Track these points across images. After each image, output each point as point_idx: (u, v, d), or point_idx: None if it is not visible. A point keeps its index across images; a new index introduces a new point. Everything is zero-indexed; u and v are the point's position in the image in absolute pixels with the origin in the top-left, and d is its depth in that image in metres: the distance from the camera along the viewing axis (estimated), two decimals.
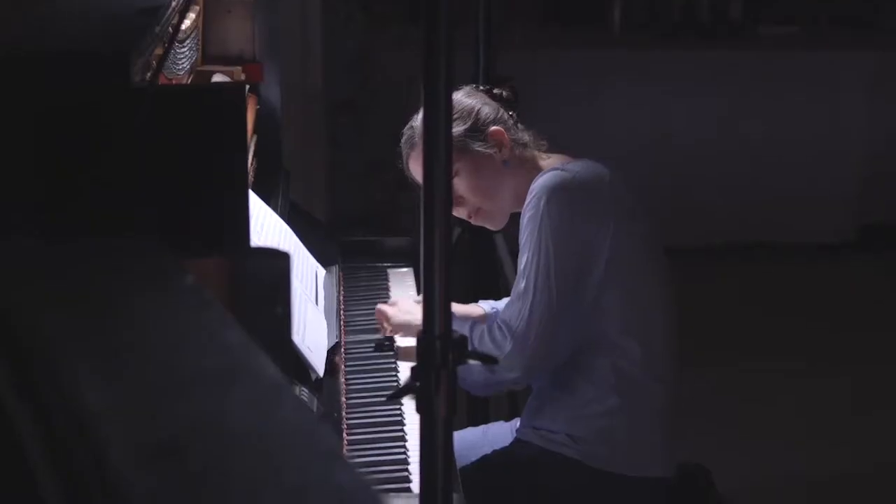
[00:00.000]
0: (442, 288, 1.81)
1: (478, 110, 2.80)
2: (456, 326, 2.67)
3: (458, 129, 2.75)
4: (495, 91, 2.90)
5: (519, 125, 2.84)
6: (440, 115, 1.78)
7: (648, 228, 2.74)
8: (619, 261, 2.63)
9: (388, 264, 3.37)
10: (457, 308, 2.90)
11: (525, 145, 2.81)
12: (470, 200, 2.81)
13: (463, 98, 2.82)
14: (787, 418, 4.50)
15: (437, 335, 1.81)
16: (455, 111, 2.73)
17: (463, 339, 1.85)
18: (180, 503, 0.80)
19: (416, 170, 2.77)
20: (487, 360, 2.34)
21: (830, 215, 6.08)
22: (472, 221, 2.88)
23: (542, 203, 2.61)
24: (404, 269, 3.34)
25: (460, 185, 2.78)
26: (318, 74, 5.19)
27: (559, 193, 2.62)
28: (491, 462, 2.75)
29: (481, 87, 2.91)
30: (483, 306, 2.99)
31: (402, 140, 2.85)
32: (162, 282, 1.20)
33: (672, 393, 2.72)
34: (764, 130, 6.00)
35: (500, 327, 2.64)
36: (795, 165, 6.03)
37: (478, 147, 2.77)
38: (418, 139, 2.76)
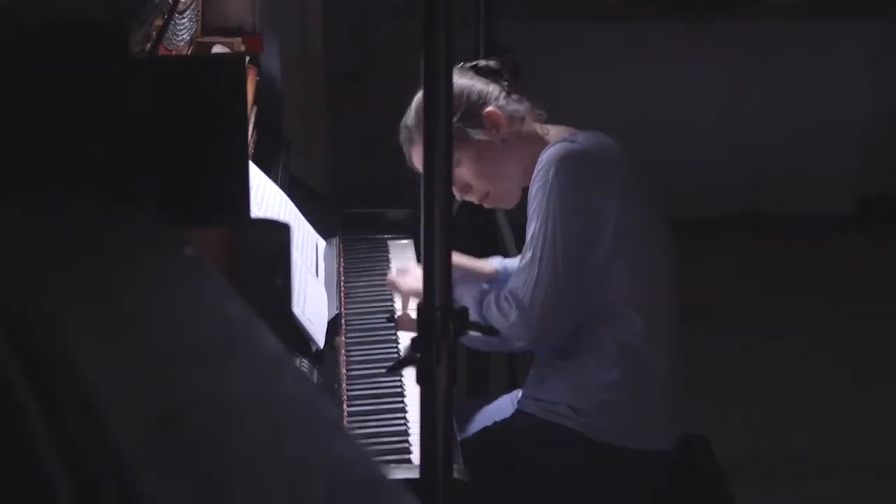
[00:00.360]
0: (442, 259, 1.81)
1: (467, 94, 2.76)
2: (466, 290, 2.69)
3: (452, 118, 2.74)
4: (480, 65, 2.85)
5: (513, 96, 2.80)
6: (440, 88, 1.78)
7: (653, 201, 2.73)
8: (626, 233, 2.62)
9: (389, 236, 3.37)
10: (467, 263, 2.91)
11: (523, 119, 2.78)
12: (477, 187, 2.79)
13: (462, 77, 2.77)
14: (787, 392, 4.50)
15: (437, 306, 1.81)
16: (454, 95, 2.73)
17: (464, 310, 1.85)
18: (181, 472, 0.80)
19: (420, 163, 2.74)
20: (488, 331, 2.35)
21: (830, 188, 6.07)
22: (485, 205, 2.87)
23: (550, 174, 2.60)
24: (405, 241, 3.34)
25: (464, 173, 2.77)
26: (319, 45, 5.17)
27: (568, 164, 2.61)
28: (492, 433, 2.75)
29: (467, 65, 2.86)
30: (494, 263, 2.99)
31: (401, 138, 2.82)
32: (162, 252, 1.20)
33: (674, 366, 2.73)
34: (764, 102, 5.98)
35: (506, 297, 2.63)
36: (795, 137, 6.02)
37: (474, 133, 2.74)
38: (416, 134, 2.74)
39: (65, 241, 1.22)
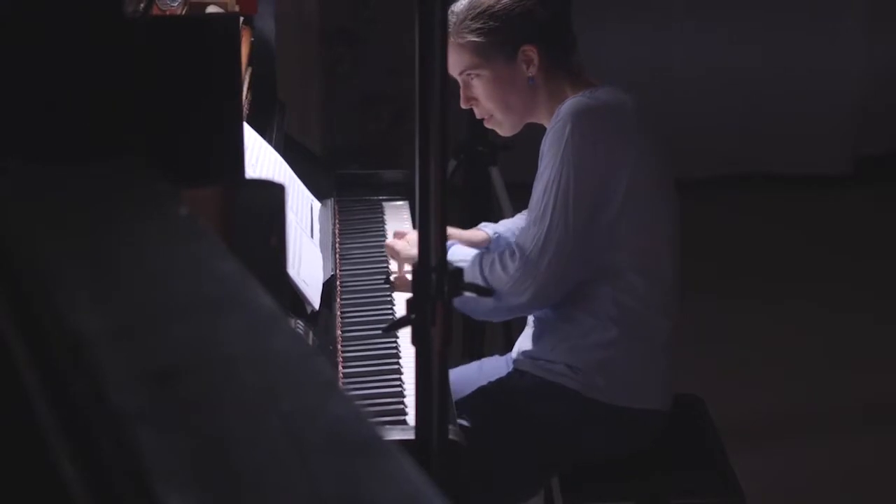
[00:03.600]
0: (437, 220, 1.81)
1: (518, 24, 2.68)
2: (462, 255, 2.69)
3: (488, 38, 2.68)
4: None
5: (560, 45, 2.72)
6: (434, 45, 1.78)
7: (664, 163, 2.72)
8: (635, 195, 2.61)
9: (384, 197, 3.36)
10: (461, 234, 2.90)
11: (558, 74, 2.72)
12: (483, 105, 2.76)
13: (507, 8, 2.69)
14: (786, 351, 4.51)
15: (432, 267, 1.81)
16: (497, 12, 2.67)
17: (458, 271, 1.86)
18: (177, 428, 0.80)
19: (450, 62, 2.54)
20: (483, 291, 2.35)
21: (828, 146, 6.06)
22: (485, 123, 2.84)
23: (566, 129, 2.58)
24: (400, 203, 3.34)
25: (478, 87, 2.73)
26: (313, 5, 5.16)
27: (584, 121, 2.59)
28: (488, 391, 2.75)
29: None
30: (486, 230, 2.99)
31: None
32: (157, 211, 1.20)
33: (673, 327, 2.73)
34: (762, 60, 5.96)
35: (512, 252, 2.62)
36: (793, 95, 6.01)
37: (503, 61, 2.70)
38: (453, 26, 2.69)
39: (61, 200, 1.22)
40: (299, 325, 2.50)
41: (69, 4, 1.40)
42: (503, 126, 2.79)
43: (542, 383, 2.69)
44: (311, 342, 2.47)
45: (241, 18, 3.14)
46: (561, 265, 2.60)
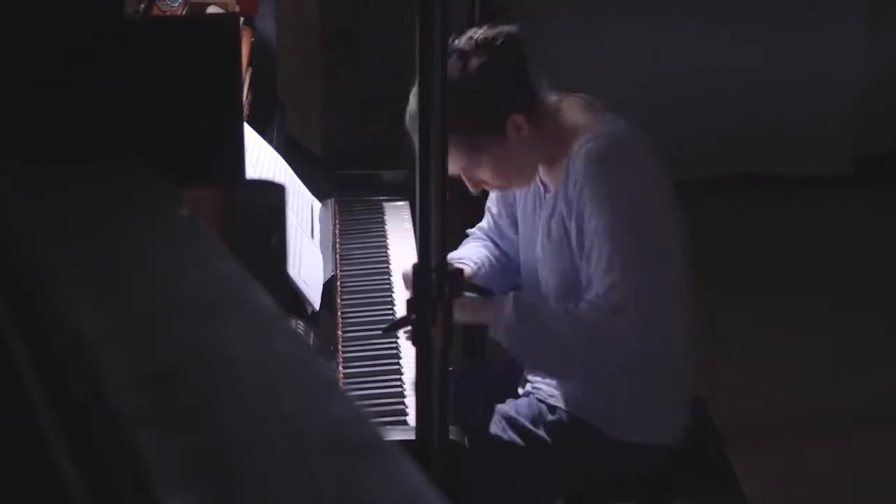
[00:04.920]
0: (438, 221, 1.81)
1: (491, 104, 2.58)
2: (511, 328, 2.58)
3: (472, 130, 2.56)
4: (498, 42, 2.59)
5: (531, 82, 2.63)
6: (435, 51, 1.78)
7: (670, 184, 2.66)
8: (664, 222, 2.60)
9: (385, 197, 3.36)
10: (479, 307, 2.68)
11: (548, 117, 2.63)
12: (494, 184, 2.71)
13: (472, 85, 2.56)
14: (787, 352, 4.51)
15: (432, 267, 1.81)
16: (467, 105, 2.52)
17: (459, 271, 1.86)
18: (177, 429, 0.80)
19: None
20: (482, 291, 2.35)
21: (828, 146, 6.06)
22: (504, 191, 2.81)
23: (598, 177, 2.50)
24: (400, 203, 3.33)
25: (483, 174, 2.65)
26: (314, 6, 5.15)
27: (610, 163, 2.52)
28: (512, 419, 2.70)
29: (482, 36, 2.60)
30: (467, 263, 2.83)
31: (408, 126, 2.60)
32: (156, 211, 1.20)
33: (685, 361, 2.71)
34: (763, 60, 5.96)
35: (588, 308, 2.50)
36: (793, 96, 6.00)
37: (496, 142, 2.60)
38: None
39: (61, 200, 1.22)
40: (300, 325, 2.50)
41: (69, 4, 1.40)
42: (522, 186, 2.73)
43: (569, 419, 2.67)
44: (311, 342, 2.47)
45: (242, 19, 3.14)
46: (651, 301, 2.53)
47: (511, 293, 2.61)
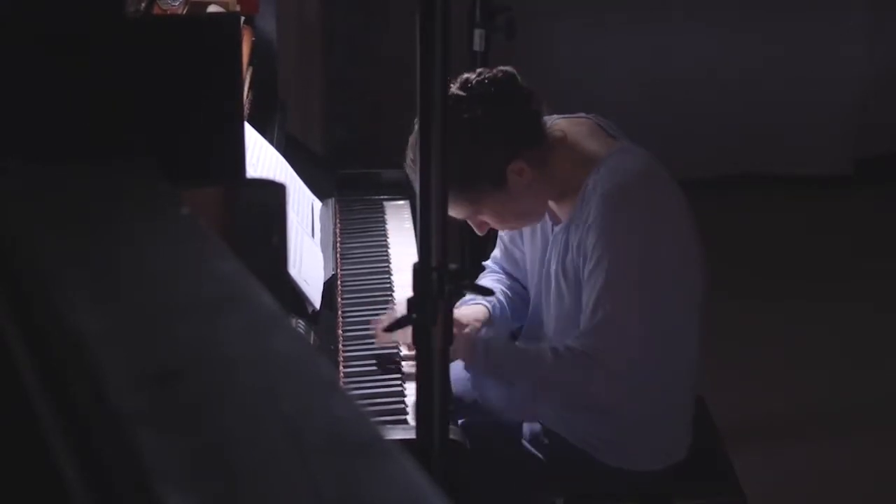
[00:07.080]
0: (438, 220, 1.81)
1: (487, 154, 2.48)
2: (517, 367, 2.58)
3: (472, 185, 2.49)
4: (493, 91, 2.49)
5: (538, 128, 2.54)
6: (435, 45, 1.77)
7: (691, 218, 2.61)
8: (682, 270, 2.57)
9: (385, 197, 3.36)
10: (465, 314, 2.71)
11: (549, 154, 2.53)
12: (501, 228, 2.70)
13: (465, 139, 2.44)
14: (787, 352, 4.51)
15: (433, 266, 1.81)
16: (461, 159, 2.36)
17: (459, 271, 1.85)
18: (177, 429, 0.80)
19: None
20: (483, 291, 2.34)
21: (828, 146, 6.06)
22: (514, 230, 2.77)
23: (612, 221, 2.45)
24: (401, 202, 3.33)
25: (489, 219, 2.59)
26: (315, 5, 5.15)
27: (627, 208, 2.47)
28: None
29: (481, 78, 2.50)
30: (482, 303, 2.78)
31: (407, 168, 2.61)
32: (156, 211, 1.20)
33: (691, 395, 2.71)
34: (763, 60, 5.95)
35: (585, 356, 2.47)
36: (794, 96, 6.00)
37: (499, 189, 2.51)
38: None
39: (61, 200, 1.22)
40: (300, 324, 2.50)
41: (69, 4, 1.40)
42: (532, 224, 2.66)
43: (570, 449, 2.67)
44: (311, 342, 2.47)
45: (243, 18, 3.14)
46: (640, 366, 2.50)
47: (481, 340, 2.60)
